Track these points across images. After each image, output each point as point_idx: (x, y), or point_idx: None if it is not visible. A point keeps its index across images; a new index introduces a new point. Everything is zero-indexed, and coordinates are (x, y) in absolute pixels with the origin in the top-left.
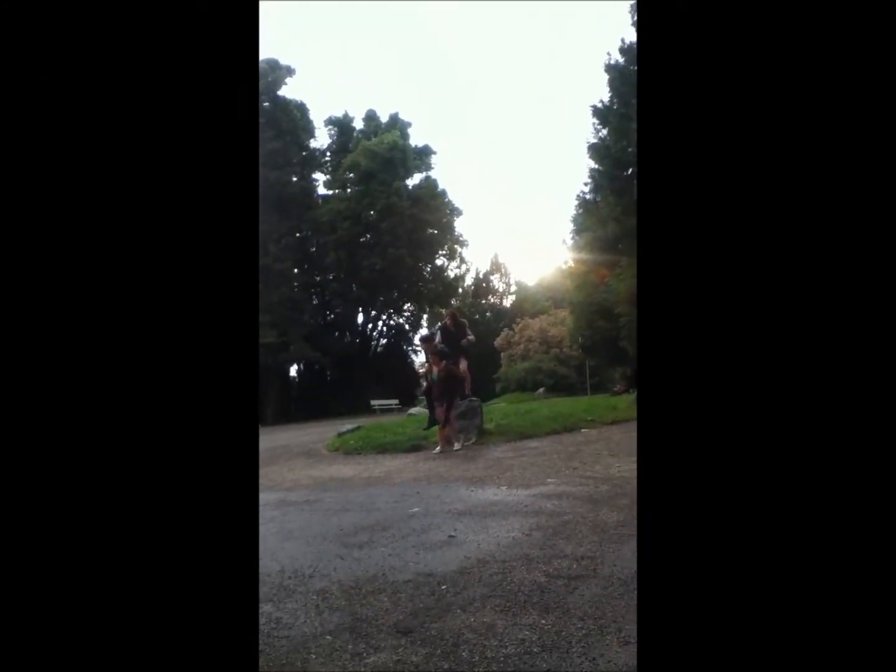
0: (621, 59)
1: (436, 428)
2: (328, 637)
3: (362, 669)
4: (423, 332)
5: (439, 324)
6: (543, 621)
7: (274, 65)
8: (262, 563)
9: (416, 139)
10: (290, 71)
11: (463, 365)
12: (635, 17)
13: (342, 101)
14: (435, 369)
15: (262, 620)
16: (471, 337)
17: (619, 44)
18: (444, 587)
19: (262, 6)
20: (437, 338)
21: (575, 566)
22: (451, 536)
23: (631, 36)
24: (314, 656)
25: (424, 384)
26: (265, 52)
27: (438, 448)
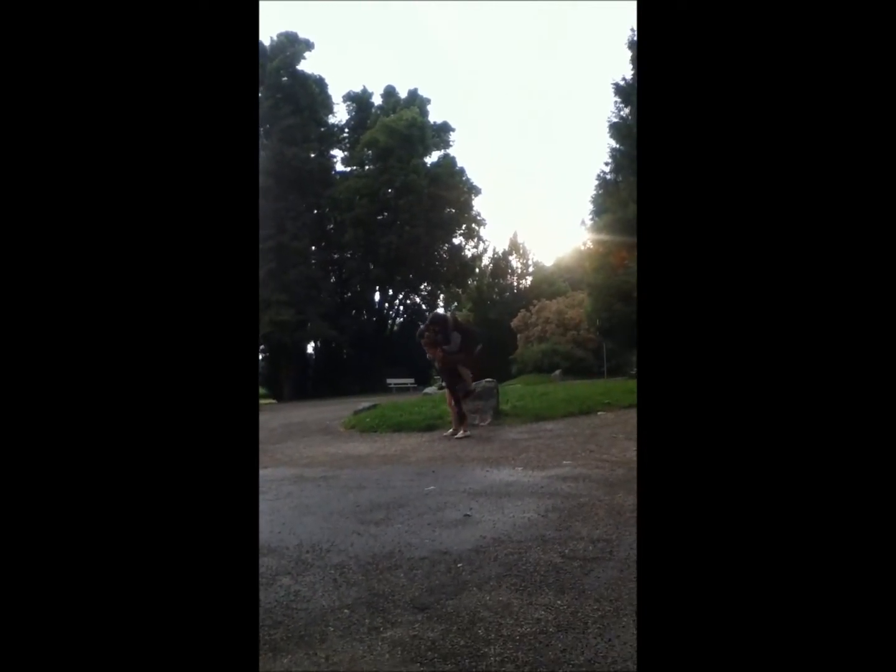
0: None
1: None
2: (346, 611)
3: (379, 644)
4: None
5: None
6: (559, 602)
7: (293, 38)
8: (279, 536)
9: (433, 116)
10: (308, 45)
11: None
12: None
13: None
14: (430, 355)
15: (280, 593)
16: (450, 346)
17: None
18: (459, 565)
19: (262, 6)
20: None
21: (591, 548)
22: (466, 515)
23: None
24: (332, 629)
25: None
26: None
27: (451, 430)
